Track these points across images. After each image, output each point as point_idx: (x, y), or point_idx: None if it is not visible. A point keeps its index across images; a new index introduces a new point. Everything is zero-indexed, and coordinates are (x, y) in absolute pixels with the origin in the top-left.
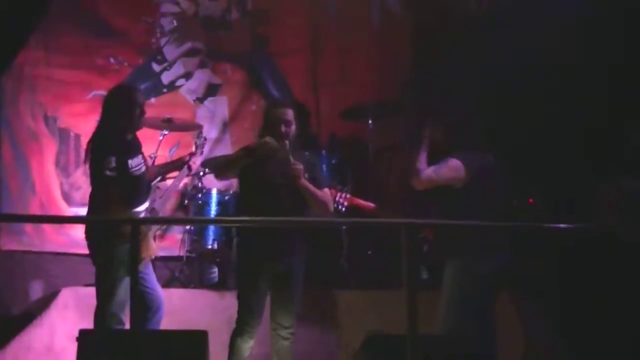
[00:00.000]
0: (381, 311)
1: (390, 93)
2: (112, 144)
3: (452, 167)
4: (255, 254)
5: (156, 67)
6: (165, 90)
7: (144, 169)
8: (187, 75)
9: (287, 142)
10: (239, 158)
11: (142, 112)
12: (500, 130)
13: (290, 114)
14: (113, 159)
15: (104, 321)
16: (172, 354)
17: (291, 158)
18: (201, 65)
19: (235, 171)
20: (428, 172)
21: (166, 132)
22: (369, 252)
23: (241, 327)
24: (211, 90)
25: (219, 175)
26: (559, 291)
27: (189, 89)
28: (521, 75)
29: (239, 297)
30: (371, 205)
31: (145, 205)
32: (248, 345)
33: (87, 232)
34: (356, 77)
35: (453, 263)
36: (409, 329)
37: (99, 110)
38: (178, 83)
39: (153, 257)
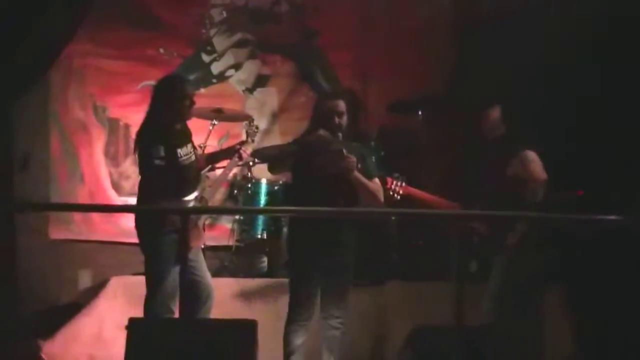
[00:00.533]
0: (429, 303)
1: (438, 85)
2: (160, 133)
3: (538, 162)
4: (307, 245)
5: (206, 58)
6: (214, 80)
7: (193, 158)
8: (237, 66)
9: (340, 134)
10: (293, 152)
11: (192, 103)
12: (549, 122)
13: (342, 105)
14: (162, 147)
15: (153, 310)
16: (221, 343)
17: (344, 150)
18: (251, 56)
19: (289, 165)
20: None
21: (216, 122)
22: (420, 243)
23: (293, 318)
24: (260, 81)
25: (273, 169)
26: (605, 288)
27: (238, 79)
28: (569, 66)
29: (290, 289)
30: (429, 195)
31: (195, 194)
32: (300, 336)
33: (136, 221)
34: (405, 70)
35: (503, 255)
36: (456, 322)
37: (149, 100)
38: (227, 74)
39: (202, 246)
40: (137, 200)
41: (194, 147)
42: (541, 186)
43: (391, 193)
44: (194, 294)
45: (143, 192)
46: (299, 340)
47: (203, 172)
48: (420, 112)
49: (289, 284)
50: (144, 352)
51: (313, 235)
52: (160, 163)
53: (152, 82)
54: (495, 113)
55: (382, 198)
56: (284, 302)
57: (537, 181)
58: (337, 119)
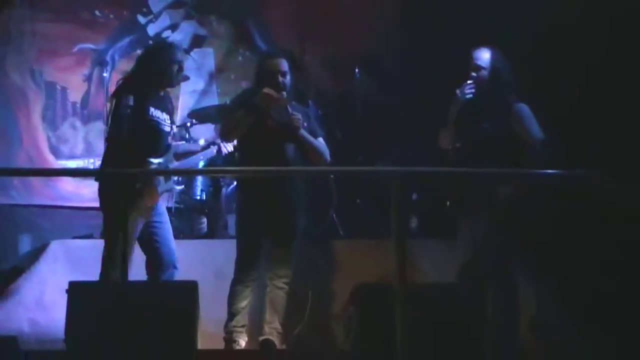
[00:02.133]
0: (371, 261)
1: (377, 45)
2: (134, 87)
3: (534, 118)
4: (254, 206)
5: (142, 20)
6: (151, 42)
7: (167, 128)
8: (173, 27)
9: (284, 93)
10: (244, 118)
11: (180, 69)
12: None
13: (285, 64)
14: (131, 97)
15: (108, 274)
16: (162, 304)
17: (290, 108)
18: (187, 17)
19: (242, 132)
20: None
21: None
22: (358, 201)
23: (238, 279)
24: (197, 42)
25: (226, 138)
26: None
27: (174, 40)
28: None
29: (237, 248)
30: None
31: (160, 160)
32: (246, 297)
33: (97, 180)
34: (343, 29)
35: (482, 217)
36: (397, 278)
37: (86, 63)
38: (164, 35)
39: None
40: (102, 158)
41: (172, 122)
42: (541, 147)
43: None
44: (154, 261)
45: (107, 147)
46: (244, 301)
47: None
48: (357, 71)
49: (236, 242)
50: (85, 316)
51: (260, 196)
52: (126, 112)
53: (89, 45)
54: (485, 54)
55: (328, 157)
56: (224, 262)
57: (537, 141)
58: (281, 78)
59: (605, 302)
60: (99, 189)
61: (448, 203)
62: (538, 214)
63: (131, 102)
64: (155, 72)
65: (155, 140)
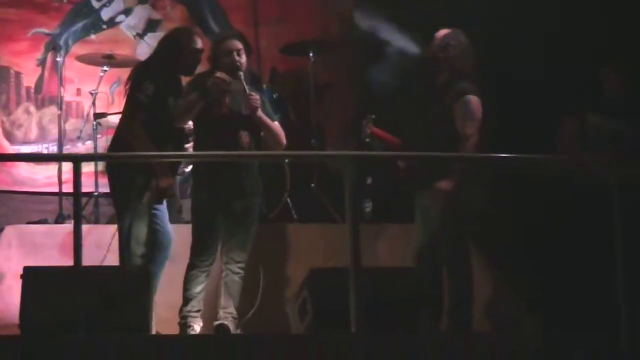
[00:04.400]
0: (325, 245)
1: (331, 29)
2: (154, 74)
3: (477, 113)
4: (210, 190)
5: (95, 4)
6: (104, 26)
7: None
8: (127, 12)
9: (241, 73)
10: (195, 101)
11: (197, 60)
12: None
13: (239, 44)
14: (152, 86)
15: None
16: (116, 290)
17: (247, 89)
18: (141, 1)
19: (193, 115)
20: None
21: (107, 69)
22: (312, 186)
23: (194, 264)
24: (151, 26)
25: (178, 122)
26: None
27: (128, 25)
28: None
29: (193, 233)
30: (394, 139)
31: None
32: (201, 282)
33: (109, 169)
34: (297, 13)
35: (437, 194)
36: (351, 263)
37: (40, 48)
38: (118, 19)
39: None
40: (111, 142)
41: None
42: (472, 145)
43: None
44: (154, 243)
45: (117, 130)
46: (199, 286)
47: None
48: (311, 55)
49: (192, 227)
50: (39, 301)
51: (216, 180)
52: (144, 99)
53: (43, 30)
54: (449, 36)
55: (284, 140)
56: (179, 247)
57: (468, 139)
58: (237, 57)
59: (557, 287)
60: (111, 173)
61: (403, 187)
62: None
63: (150, 92)
64: (176, 57)
65: (169, 128)
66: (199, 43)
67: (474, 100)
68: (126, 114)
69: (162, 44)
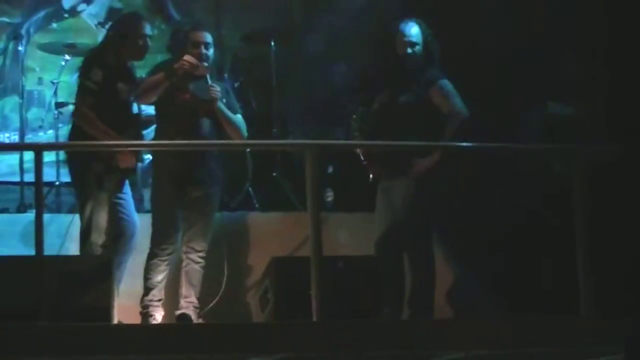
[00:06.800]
0: (287, 234)
1: (294, 17)
2: (102, 61)
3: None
4: (170, 179)
5: None
6: (66, 15)
7: (132, 99)
8: (88, 1)
9: (206, 64)
10: (160, 81)
11: (146, 45)
12: None
13: (209, 37)
14: (100, 72)
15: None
16: (78, 278)
17: (209, 79)
18: None
19: (157, 95)
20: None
21: (69, 58)
22: (274, 174)
23: (155, 253)
24: (113, 14)
25: (140, 99)
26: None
27: (90, 13)
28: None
29: (153, 222)
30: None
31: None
32: (162, 271)
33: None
34: (259, 1)
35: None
36: (313, 251)
37: (1, 37)
38: (79, 8)
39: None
40: (70, 131)
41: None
42: (462, 119)
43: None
44: (119, 232)
45: (72, 118)
46: (160, 275)
47: None
48: (273, 43)
49: (151, 215)
50: (1, 289)
51: (175, 169)
52: (93, 87)
53: (4, 19)
54: (415, 28)
55: (245, 133)
56: (140, 236)
57: (459, 113)
58: (204, 50)
59: (520, 271)
60: (70, 162)
61: (371, 177)
62: (453, 185)
63: (99, 78)
64: (123, 43)
65: (123, 114)
66: (147, 29)
67: (448, 82)
68: (75, 100)
69: (111, 30)
